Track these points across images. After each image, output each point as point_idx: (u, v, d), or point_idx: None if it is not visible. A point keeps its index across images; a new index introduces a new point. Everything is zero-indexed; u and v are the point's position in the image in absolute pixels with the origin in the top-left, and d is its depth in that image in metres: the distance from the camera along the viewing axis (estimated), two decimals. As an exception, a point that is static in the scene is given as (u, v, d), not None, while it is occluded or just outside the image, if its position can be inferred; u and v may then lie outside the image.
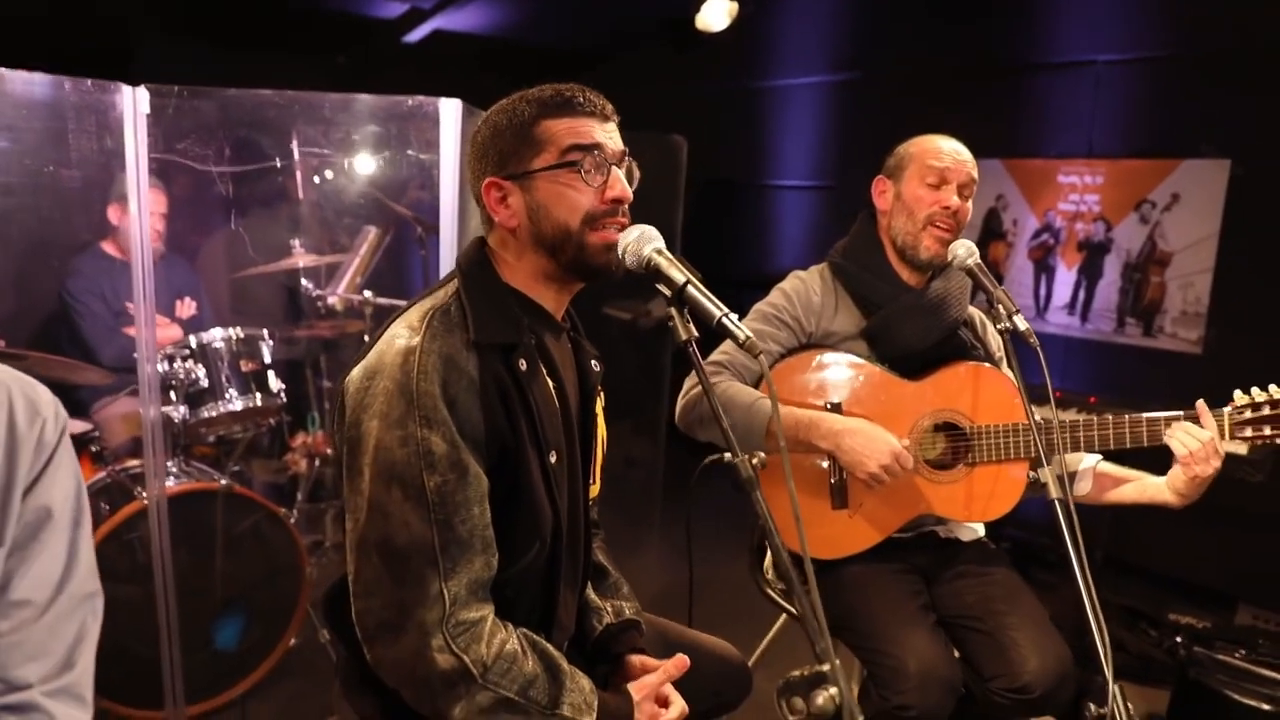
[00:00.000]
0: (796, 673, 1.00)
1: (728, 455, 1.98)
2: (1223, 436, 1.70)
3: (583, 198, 1.25)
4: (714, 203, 5.41)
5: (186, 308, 3.34)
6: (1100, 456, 1.90)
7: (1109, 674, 1.33)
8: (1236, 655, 2.88)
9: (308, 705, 2.69)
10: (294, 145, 3.12)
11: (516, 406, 1.23)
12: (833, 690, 0.96)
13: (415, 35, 5.18)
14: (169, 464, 2.67)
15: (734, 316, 1.08)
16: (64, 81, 1.94)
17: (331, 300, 3.50)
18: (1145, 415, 1.76)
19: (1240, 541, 3.46)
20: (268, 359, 2.95)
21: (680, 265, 1.14)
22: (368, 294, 3.29)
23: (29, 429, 0.91)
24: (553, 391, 1.31)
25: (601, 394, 1.50)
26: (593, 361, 1.44)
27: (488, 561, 1.21)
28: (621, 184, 1.26)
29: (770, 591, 2.06)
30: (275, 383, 2.95)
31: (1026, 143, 4.09)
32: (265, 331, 2.97)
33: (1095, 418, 1.78)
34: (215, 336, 2.84)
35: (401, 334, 1.22)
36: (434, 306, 1.25)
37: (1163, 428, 1.75)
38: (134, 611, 2.37)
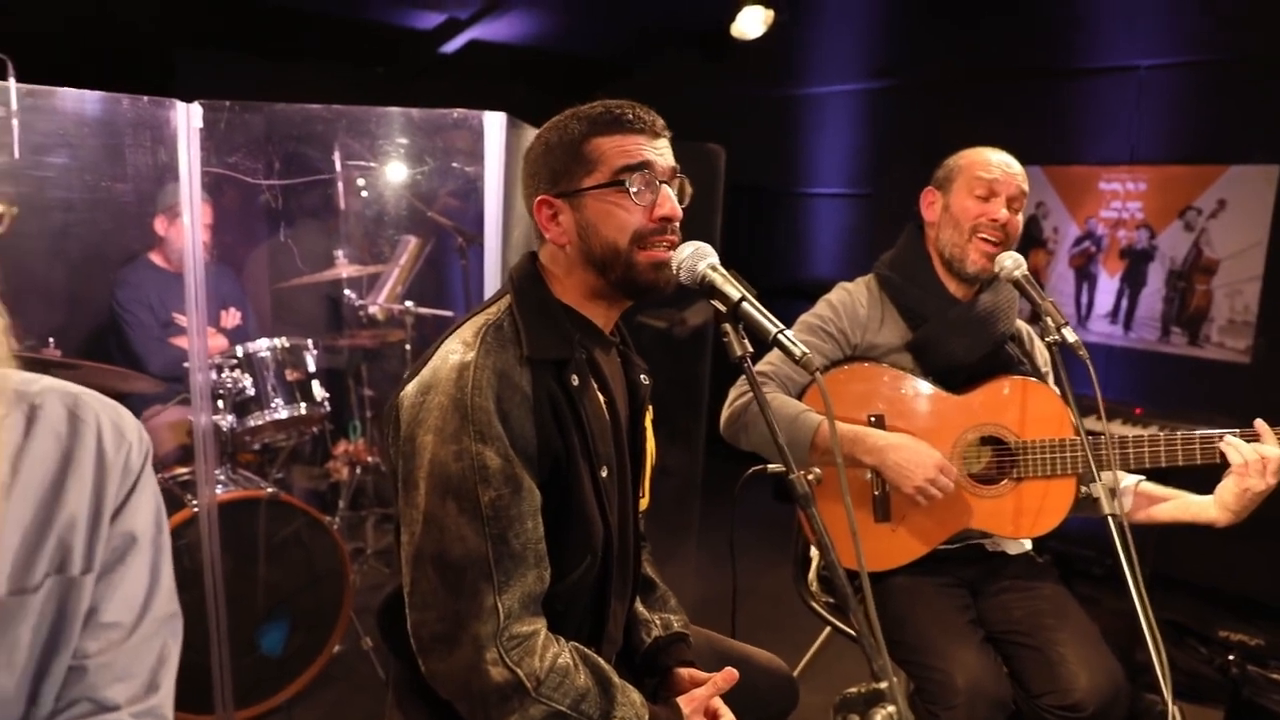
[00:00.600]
0: (853, 690, 1.00)
1: (771, 466, 1.98)
2: None
3: (631, 217, 1.25)
4: (749, 210, 5.40)
5: (231, 318, 3.40)
6: (1142, 476, 1.87)
7: (1168, 695, 1.31)
8: (1293, 676, 2.81)
9: (351, 711, 2.72)
10: (335, 157, 3.18)
11: (569, 421, 1.24)
12: (891, 709, 0.96)
13: (452, 46, 5.23)
14: (217, 472, 2.72)
15: (789, 333, 1.08)
16: (121, 99, 1.98)
17: (373, 310, 3.55)
18: (1199, 432, 1.73)
19: (1293, 557, 3.38)
20: (312, 368, 3.00)
21: (735, 281, 1.14)
22: (409, 304, 3.33)
23: (116, 455, 0.93)
24: (604, 406, 1.32)
25: (650, 408, 1.51)
26: (642, 376, 1.44)
27: (540, 575, 1.22)
28: (671, 202, 1.27)
29: (815, 605, 2.05)
30: (319, 391, 2.99)
31: (1067, 149, 4.04)
32: (310, 341, 3.02)
33: (1146, 434, 1.75)
34: (261, 346, 2.89)
35: (456, 349, 1.24)
36: (487, 322, 1.27)
37: (1217, 440, 1.72)
38: (185, 616, 2.41)
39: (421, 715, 1.34)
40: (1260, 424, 1.71)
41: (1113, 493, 1.52)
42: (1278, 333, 3.48)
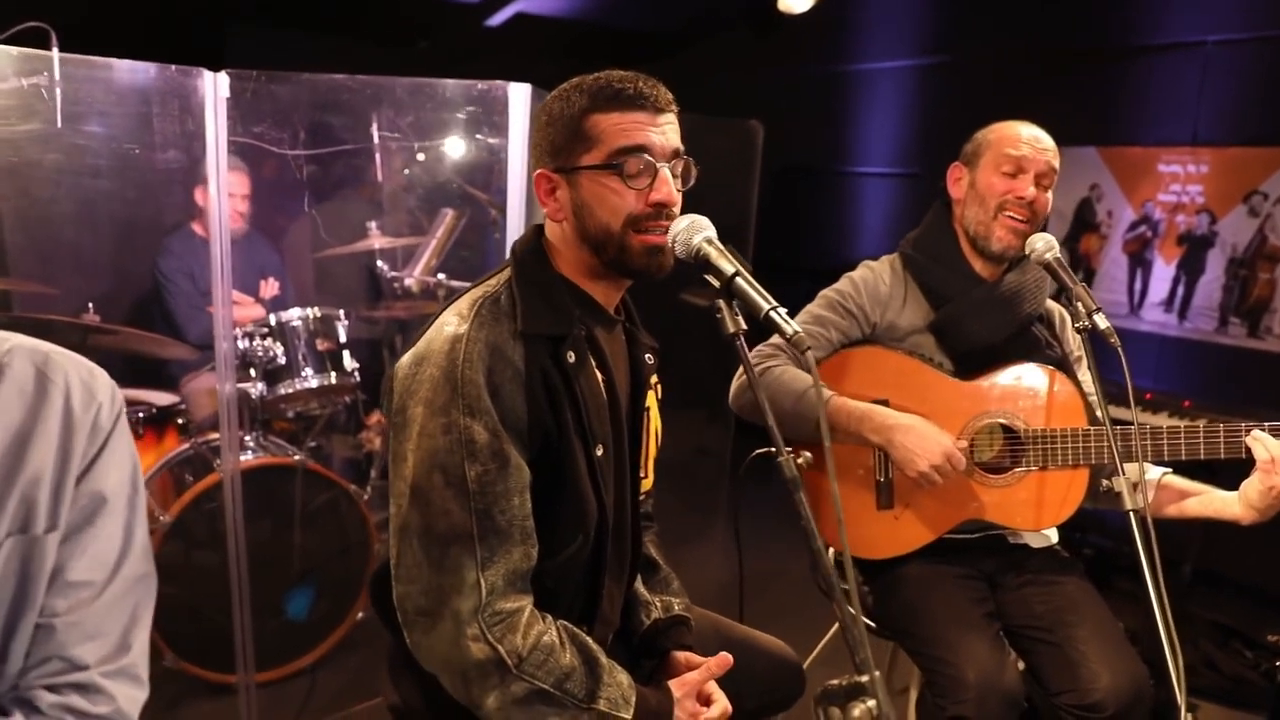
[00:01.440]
0: (835, 682, 0.97)
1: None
2: None
3: (625, 201, 1.22)
4: (795, 189, 5.31)
5: (270, 288, 3.45)
6: (1168, 469, 1.78)
7: (1182, 700, 1.25)
8: (1338, 680, 2.70)
9: (372, 677, 2.76)
10: (374, 129, 3.19)
11: (562, 398, 1.22)
12: (871, 703, 0.92)
13: (497, 19, 5.22)
14: (247, 438, 2.77)
15: (783, 310, 1.04)
16: (150, 67, 2.00)
17: (408, 282, 3.56)
18: (1223, 424, 1.64)
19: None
20: (343, 338, 3.03)
21: (730, 256, 1.10)
22: (441, 276, 3.34)
23: (84, 413, 0.94)
24: (601, 384, 1.29)
25: (658, 386, 1.48)
26: (647, 355, 1.41)
27: (527, 552, 1.21)
28: (668, 187, 1.22)
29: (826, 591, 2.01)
30: (350, 362, 3.02)
31: (1125, 129, 3.87)
32: (341, 312, 3.05)
33: (1165, 425, 1.66)
34: (293, 315, 2.92)
35: (451, 321, 1.22)
36: (485, 295, 1.25)
37: (1243, 433, 1.63)
38: (211, 578, 2.47)
39: (410, 687, 1.34)
40: None
41: (1137, 488, 1.45)
42: (1344, 325, 3.30)
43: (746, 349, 1.06)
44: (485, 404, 1.16)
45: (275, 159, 2.86)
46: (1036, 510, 1.77)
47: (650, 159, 1.21)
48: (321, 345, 2.96)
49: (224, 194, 2.10)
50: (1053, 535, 1.93)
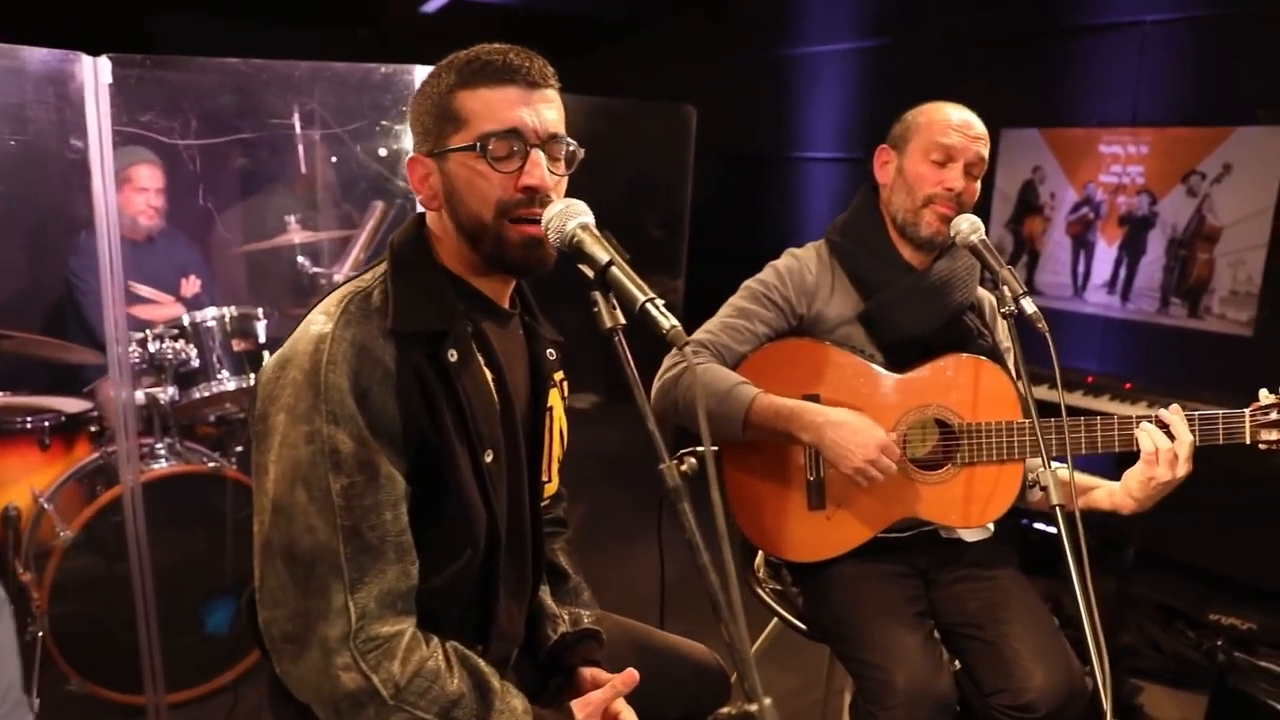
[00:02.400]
0: (726, 710, 0.89)
1: (698, 448, 1.86)
2: (1244, 440, 1.54)
3: (493, 187, 1.12)
4: (741, 175, 5.23)
5: (191, 285, 3.29)
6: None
7: (1107, 705, 1.18)
8: (1281, 662, 2.69)
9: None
10: (295, 118, 3.04)
11: (441, 401, 1.12)
12: (761, 732, 0.84)
13: (433, 5, 5.08)
14: (159, 446, 2.63)
15: (660, 303, 0.94)
16: (19, 50, 1.86)
17: (337, 278, 3.43)
18: (1119, 415, 1.59)
19: (1289, 536, 3.24)
20: (262, 338, 2.89)
21: (606, 243, 1.00)
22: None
23: None
24: (491, 384, 1.19)
25: (563, 384, 1.38)
26: (549, 350, 1.32)
27: (404, 570, 1.11)
28: (540, 171, 1.12)
29: (760, 591, 1.94)
30: (270, 362, 2.88)
31: (1066, 111, 3.84)
32: (260, 310, 2.91)
33: (1067, 421, 1.59)
34: (208, 315, 2.78)
35: (317, 320, 1.12)
36: (355, 290, 1.15)
37: (1134, 425, 1.58)
38: (125, 594, 2.34)
39: (292, 716, 1.24)
40: (1175, 408, 1.57)
41: (1065, 483, 1.39)
42: (1282, 304, 3.30)
43: (625, 346, 0.97)
44: (350, 410, 1.06)
45: (188, 152, 2.71)
46: (971, 505, 1.71)
47: (522, 140, 1.11)
48: (239, 346, 2.82)
49: (109, 187, 1.96)
50: (989, 525, 1.87)
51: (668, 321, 0.92)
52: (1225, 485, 3.07)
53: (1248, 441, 1.57)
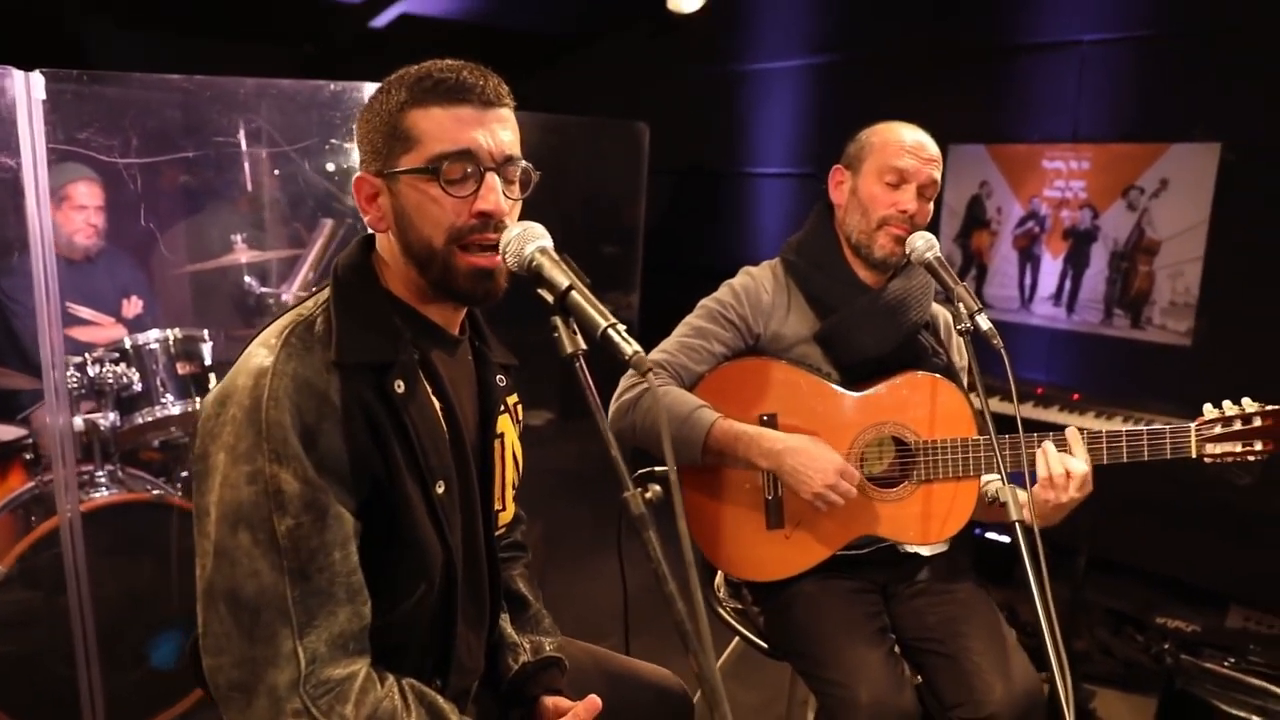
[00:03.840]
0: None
1: (659, 468, 1.84)
2: (1189, 454, 1.57)
3: (445, 212, 1.08)
4: (692, 191, 5.25)
5: (133, 306, 3.19)
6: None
7: (1069, 712, 1.19)
8: (1225, 664, 2.76)
9: None
10: (240, 135, 2.97)
11: (389, 433, 1.08)
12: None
13: (382, 20, 5.02)
14: (99, 473, 2.54)
15: (622, 328, 0.93)
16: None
17: (285, 298, 3.35)
18: (1025, 436, 1.59)
19: (1231, 542, 3.34)
20: (208, 360, 2.81)
21: (566, 268, 0.98)
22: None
23: None
24: (439, 413, 1.16)
25: (515, 408, 1.36)
26: (498, 376, 1.29)
27: (356, 611, 1.07)
28: (495, 196, 1.08)
29: (721, 610, 1.93)
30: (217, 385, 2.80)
31: (1010, 127, 3.93)
32: (205, 332, 2.83)
33: (1022, 438, 1.60)
34: (150, 338, 2.69)
35: (258, 353, 1.07)
36: (296, 320, 1.10)
37: (1035, 445, 1.61)
38: (61, 628, 2.25)
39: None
40: (1071, 432, 1.60)
41: (1016, 498, 1.41)
42: (1219, 315, 3.41)
43: (586, 371, 0.95)
44: (294, 448, 1.01)
45: (128, 170, 2.63)
46: (929, 523, 1.72)
47: (477, 163, 1.08)
48: (183, 369, 2.73)
49: (45, 205, 1.89)
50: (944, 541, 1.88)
51: (630, 347, 0.90)
52: (1169, 491, 3.16)
53: (1193, 455, 1.60)
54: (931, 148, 1.75)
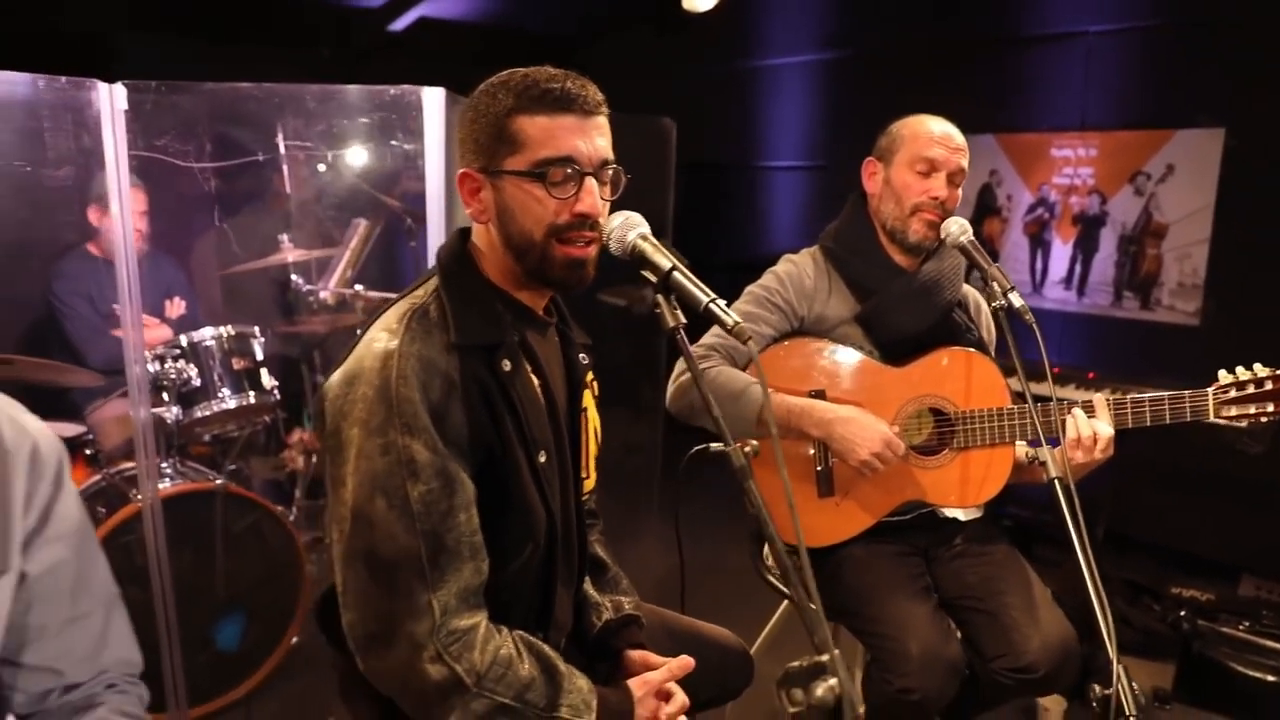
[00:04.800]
0: (795, 663, 0.98)
1: (715, 444, 1.96)
2: (1207, 417, 1.69)
3: (547, 210, 1.19)
4: (704, 186, 5.36)
5: (176, 307, 3.31)
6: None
7: (1113, 653, 1.32)
8: (1240, 627, 2.89)
9: (311, 703, 2.68)
10: (279, 139, 3.09)
11: (501, 408, 1.20)
12: (832, 681, 0.95)
13: (401, 23, 5.13)
14: (164, 465, 2.66)
15: (721, 302, 1.05)
16: (39, 79, 1.90)
17: (323, 295, 3.47)
18: (1054, 402, 1.73)
19: (1242, 513, 3.45)
20: (260, 356, 2.93)
21: (665, 251, 1.11)
22: (359, 288, 3.27)
23: (18, 448, 0.94)
24: (538, 389, 1.28)
25: (594, 385, 1.48)
26: (581, 354, 1.41)
27: (478, 568, 1.19)
28: (592, 198, 1.20)
29: (771, 578, 2.05)
30: (269, 380, 2.92)
31: (1019, 116, 4.05)
32: (256, 329, 2.94)
33: (1053, 405, 1.73)
34: (206, 335, 2.81)
35: (380, 337, 1.18)
36: (413, 307, 1.22)
37: (1065, 411, 1.74)
38: (134, 614, 2.36)
39: (366, 709, 1.31)
40: (1099, 399, 1.73)
41: (1060, 457, 1.53)
42: (1225, 295, 3.52)
43: (687, 342, 1.07)
44: (423, 421, 1.13)
45: (172, 173, 2.75)
46: (967, 487, 1.84)
47: (577, 167, 1.19)
48: (238, 364, 2.86)
49: (128, 211, 2.00)
50: (980, 506, 2.00)
51: (730, 319, 1.03)
52: (1182, 465, 3.28)
53: (1211, 417, 1.72)
54: (958, 138, 1.87)
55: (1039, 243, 4.06)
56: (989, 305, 1.71)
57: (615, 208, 1.25)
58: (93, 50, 4.29)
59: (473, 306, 1.22)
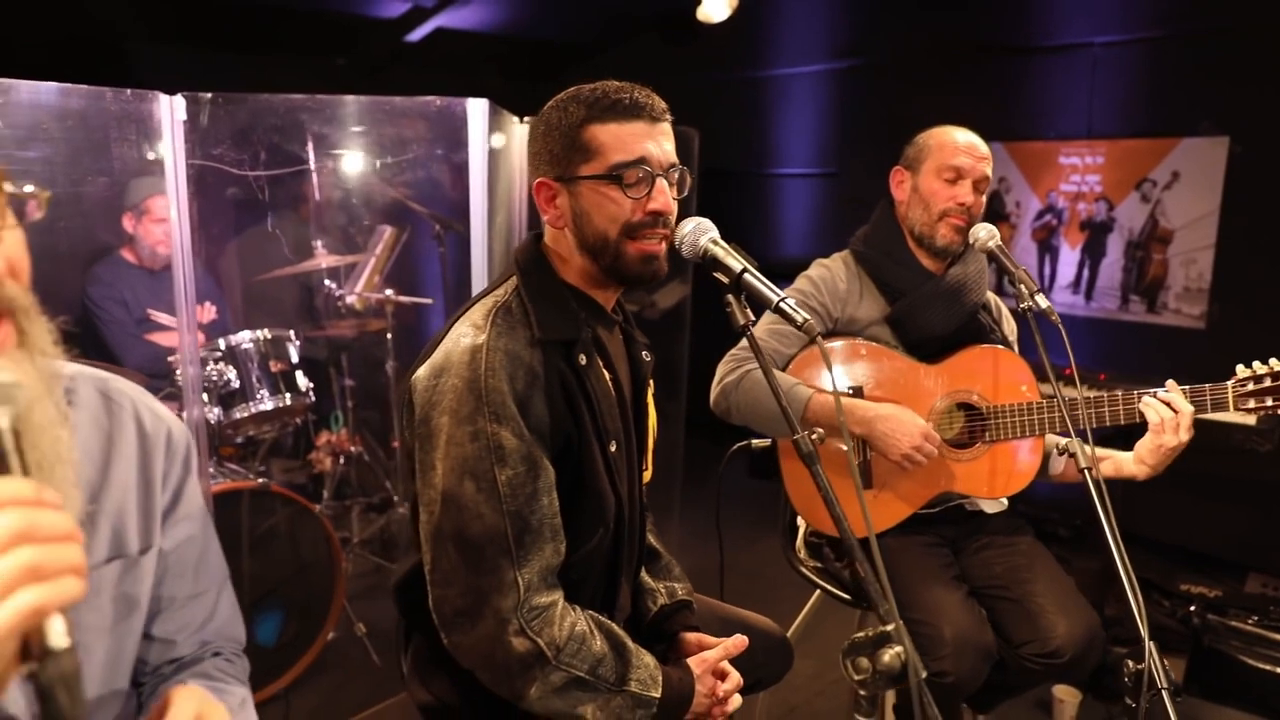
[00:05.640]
0: (860, 634, 1.06)
1: (755, 441, 2.04)
2: (1228, 409, 1.78)
3: (623, 209, 1.28)
4: (717, 193, 5.45)
5: (206, 312, 3.38)
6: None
7: (1144, 630, 1.40)
8: (1249, 621, 2.96)
9: (347, 696, 2.76)
10: (309, 148, 3.17)
11: (579, 399, 1.28)
12: (898, 648, 1.03)
13: (418, 34, 5.21)
14: (208, 464, 2.73)
15: (791, 301, 1.13)
16: (104, 92, 1.98)
17: (350, 300, 3.55)
18: (1121, 393, 1.82)
19: (1249, 511, 3.53)
20: (295, 359, 3.01)
21: (735, 253, 1.19)
22: (389, 292, 3.35)
23: (156, 433, 1.00)
24: (609, 383, 1.36)
25: (651, 383, 1.56)
26: (644, 352, 1.49)
27: (557, 549, 1.27)
28: (664, 197, 1.28)
29: (804, 569, 2.13)
30: (304, 381, 3.00)
31: (1027, 125, 4.14)
32: (292, 332, 3.03)
33: (1079, 398, 1.82)
34: (244, 338, 2.89)
35: (467, 333, 1.27)
36: (496, 304, 1.30)
37: (1136, 401, 1.81)
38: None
39: (442, 685, 1.39)
40: (1171, 384, 1.81)
41: (1086, 449, 1.61)
42: (1230, 299, 3.62)
43: (756, 340, 1.15)
44: (511, 410, 1.21)
45: (212, 181, 2.83)
46: (996, 479, 1.93)
47: (649, 169, 1.28)
48: (275, 366, 2.94)
49: (185, 218, 2.08)
50: (1004, 501, 2.09)
51: (799, 316, 1.11)
52: (1190, 469, 3.36)
53: (1231, 409, 1.81)
54: (983, 147, 1.97)
55: (1047, 248, 4.15)
56: (1018, 306, 1.79)
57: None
58: (110, 60, 4.37)
59: (551, 304, 1.30)
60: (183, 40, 4.76)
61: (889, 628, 1.03)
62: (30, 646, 0.58)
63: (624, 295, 1.44)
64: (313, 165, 2.90)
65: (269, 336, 2.95)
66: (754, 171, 5.39)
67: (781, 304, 1.12)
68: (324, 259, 3.25)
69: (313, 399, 3.06)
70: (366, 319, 3.55)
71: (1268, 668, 2.82)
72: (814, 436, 1.11)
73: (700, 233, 1.24)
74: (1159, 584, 3.49)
